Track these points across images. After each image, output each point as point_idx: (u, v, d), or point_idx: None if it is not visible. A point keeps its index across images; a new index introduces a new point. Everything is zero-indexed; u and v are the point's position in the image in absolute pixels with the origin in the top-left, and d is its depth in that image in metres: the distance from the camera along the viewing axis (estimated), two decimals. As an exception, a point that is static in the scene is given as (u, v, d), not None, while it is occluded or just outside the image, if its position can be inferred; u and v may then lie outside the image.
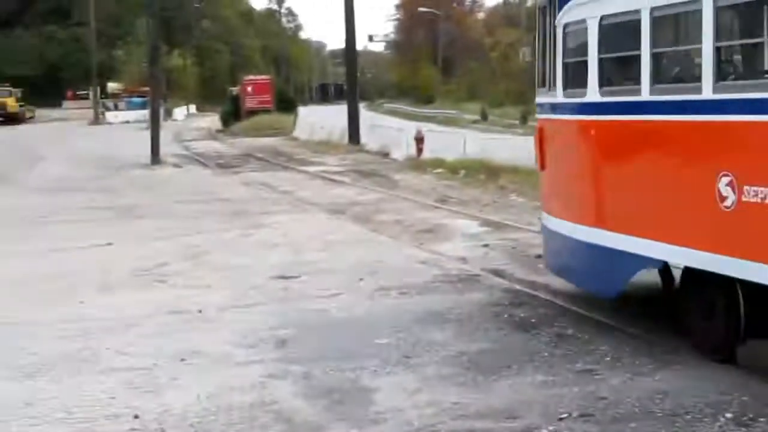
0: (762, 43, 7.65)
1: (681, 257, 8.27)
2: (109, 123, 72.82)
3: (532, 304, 10.62)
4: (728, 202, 7.42)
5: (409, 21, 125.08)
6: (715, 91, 7.55)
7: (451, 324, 9.87)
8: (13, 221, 19.65)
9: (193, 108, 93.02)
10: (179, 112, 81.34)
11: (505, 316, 10.14)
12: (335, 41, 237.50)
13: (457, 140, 30.96)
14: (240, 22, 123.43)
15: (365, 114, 49.88)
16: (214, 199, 22.94)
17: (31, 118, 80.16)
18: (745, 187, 7.23)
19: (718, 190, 7.49)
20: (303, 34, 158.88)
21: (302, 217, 19.12)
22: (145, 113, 65.91)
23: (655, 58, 8.37)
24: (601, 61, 9.24)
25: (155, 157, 33.91)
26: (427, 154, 30.90)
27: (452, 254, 14.16)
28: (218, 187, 26.03)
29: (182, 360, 8.82)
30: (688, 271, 8.45)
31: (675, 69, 8.64)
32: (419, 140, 32.13)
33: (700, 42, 7.66)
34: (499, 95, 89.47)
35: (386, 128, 39.34)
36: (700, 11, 7.55)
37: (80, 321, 10.48)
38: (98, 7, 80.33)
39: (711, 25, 7.48)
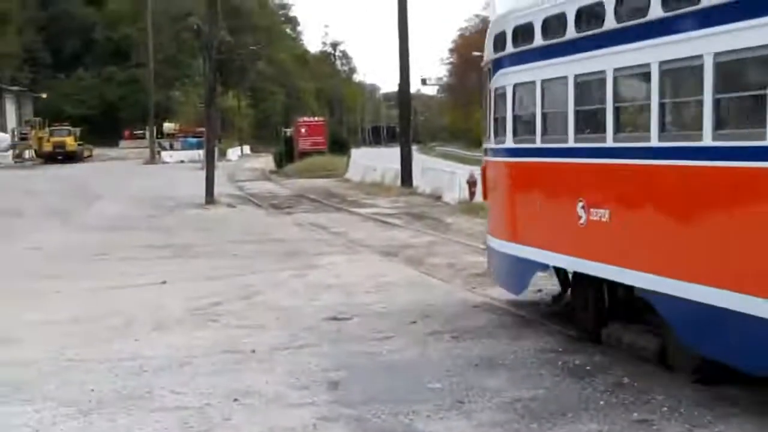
0: (602, 109, 10.05)
1: (557, 261, 11.42)
2: (165, 162, 73.79)
3: (586, 351, 10.50)
4: (582, 221, 10.43)
5: (463, 65, 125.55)
6: (575, 141, 10.65)
7: (505, 369, 9.80)
8: (72, 258, 19.96)
9: (246, 149, 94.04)
10: (233, 153, 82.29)
11: (559, 362, 10.04)
12: (389, 84, 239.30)
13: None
14: (295, 64, 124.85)
15: (417, 157, 49.94)
16: (267, 240, 23.06)
17: (89, 156, 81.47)
18: (591, 209, 10.25)
19: (577, 212, 10.48)
20: (357, 77, 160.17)
21: (355, 259, 19.14)
22: (199, 153, 66.87)
23: (544, 117, 11.49)
24: (513, 117, 12.22)
25: (210, 197, 34.24)
26: (479, 198, 30.81)
27: (505, 299, 14.04)
28: (271, 228, 26.19)
29: (235, 400, 8.85)
30: (574, 276, 11.42)
31: (554, 125, 11.39)
32: (472, 184, 32.02)
33: (567, 108, 10.74)
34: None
35: (438, 171, 39.31)
36: (566, 86, 10.73)
37: (135, 359, 10.56)
38: (156, 49, 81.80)
39: (572, 96, 10.62)
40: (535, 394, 8.87)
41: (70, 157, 73.83)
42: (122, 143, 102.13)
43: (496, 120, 12.78)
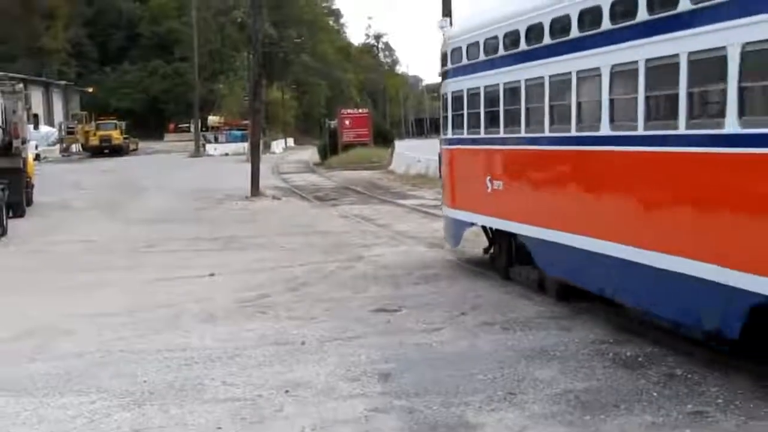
0: (497, 111, 14.15)
1: (478, 220, 15.52)
2: (209, 155, 74.28)
3: (638, 343, 10.39)
4: (489, 190, 14.45)
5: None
6: (484, 133, 14.80)
7: (556, 361, 9.73)
8: (120, 251, 20.14)
9: (290, 141, 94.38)
10: (277, 145, 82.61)
11: (611, 353, 9.95)
12: (432, 75, 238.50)
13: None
14: (338, 56, 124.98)
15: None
16: (312, 232, 23.11)
17: (134, 150, 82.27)
18: (494, 182, 14.33)
19: (486, 184, 14.54)
20: (399, 69, 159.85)
21: (401, 250, 19.11)
22: (243, 146, 67.25)
23: (469, 115, 15.47)
24: (452, 116, 16.42)
25: (255, 189, 34.36)
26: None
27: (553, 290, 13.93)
28: (317, 220, 26.25)
29: (286, 391, 8.86)
30: (493, 231, 15.28)
31: (474, 122, 15.28)
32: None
33: (480, 109, 14.85)
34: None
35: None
36: (479, 95, 14.84)
37: (185, 350, 10.63)
38: (201, 42, 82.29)
39: (483, 101, 14.71)
40: (587, 386, 8.79)
41: (116, 151, 74.61)
42: (167, 136, 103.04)
43: (445, 118, 16.95)
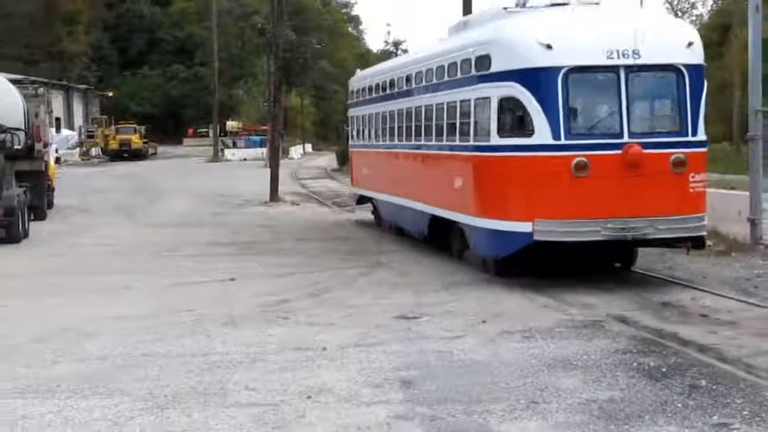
0: (370, 129, 24.58)
1: (368, 193, 25.48)
2: (228, 160, 74.46)
3: (661, 353, 10.36)
4: (364, 174, 25.78)
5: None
6: (365, 141, 25.06)
7: (579, 370, 9.69)
8: (141, 255, 20.21)
9: (308, 147, 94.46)
10: (295, 151, 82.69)
11: (634, 364, 9.91)
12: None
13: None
14: (357, 63, 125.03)
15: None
16: (332, 237, 23.16)
17: (153, 154, 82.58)
18: (365, 169, 25.40)
19: (363, 170, 25.65)
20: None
21: (420, 258, 19.09)
22: (262, 151, 67.42)
23: (357, 131, 26.17)
24: (353, 131, 26.59)
25: (274, 194, 34.44)
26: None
27: (576, 299, 13.94)
28: (336, 226, 26.30)
29: (308, 397, 8.87)
30: (377, 201, 24.88)
31: (361, 135, 25.72)
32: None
33: (364, 127, 25.44)
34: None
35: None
36: (362, 119, 25.44)
37: (207, 354, 10.65)
38: (221, 47, 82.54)
39: (362, 123, 25.76)
40: (610, 396, 8.76)
41: (135, 155, 74.91)
42: (186, 141, 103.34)
43: (348, 132, 27.76)
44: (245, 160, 72.60)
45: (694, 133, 14.84)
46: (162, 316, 13.04)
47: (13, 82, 29.13)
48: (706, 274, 16.15)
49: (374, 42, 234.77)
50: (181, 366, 10.13)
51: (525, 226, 14.56)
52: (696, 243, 15.38)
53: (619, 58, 14.51)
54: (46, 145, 29.15)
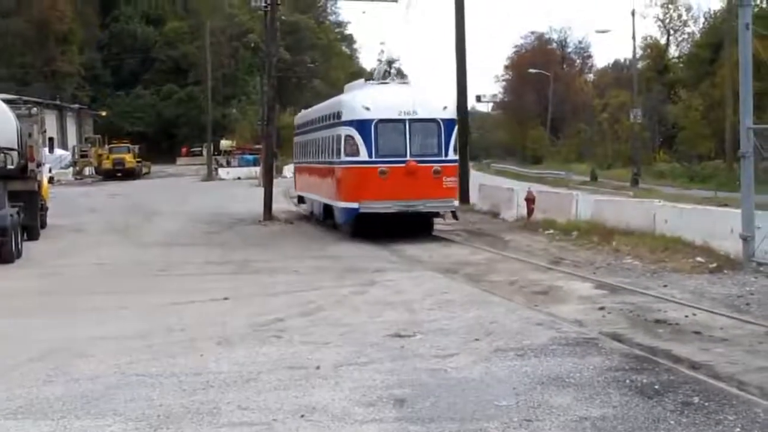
0: (308, 150, 34.74)
1: (303, 193, 36.88)
2: (222, 179, 74.49)
3: (654, 370, 10.38)
4: (299, 180, 38.53)
5: (519, 81, 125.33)
6: (302, 158, 37.27)
7: (572, 388, 9.70)
8: (134, 274, 20.21)
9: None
10: (288, 170, 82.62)
11: (627, 381, 9.93)
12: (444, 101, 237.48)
13: (567, 201, 30.62)
14: (350, 82, 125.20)
15: (473, 173, 49.83)
16: (325, 256, 23.16)
17: (147, 173, 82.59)
18: (300, 177, 38.46)
19: (298, 178, 38.95)
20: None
21: (414, 276, 19.11)
22: (255, 170, 67.46)
23: (296, 152, 39.97)
24: (296, 152, 40.27)
25: (268, 213, 34.43)
26: (537, 215, 30.68)
27: (568, 317, 13.98)
28: (329, 244, 26.27)
29: (302, 416, 8.86)
30: (309, 200, 35.24)
31: (302, 154, 37.03)
32: (530, 201, 31.92)
33: (300, 150, 37.91)
34: (608, 156, 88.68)
35: (496, 188, 39.24)
36: (300, 143, 37.96)
37: (201, 374, 10.63)
38: (215, 67, 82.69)
39: (303, 146, 37.12)
40: (603, 413, 8.77)
41: (129, 174, 74.89)
42: (179, 160, 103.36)
43: (295, 151, 40.27)
44: (239, 179, 72.67)
45: (446, 155, 26.15)
46: (155, 335, 13.02)
47: (7, 102, 29.14)
48: (699, 291, 16.21)
49: (368, 60, 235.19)
50: (174, 385, 10.11)
51: (356, 205, 26.09)
52: (452, 214, 27.59)
53: (405, 115, 25.81)
54: (39, 165, 29.13)
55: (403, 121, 25.66)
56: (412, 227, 26.63)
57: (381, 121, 25.71)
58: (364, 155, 25.66)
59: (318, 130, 31.26)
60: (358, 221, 26.21)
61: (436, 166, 25.77)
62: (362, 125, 25.81)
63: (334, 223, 28.62)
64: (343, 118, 26.62)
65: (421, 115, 25.84)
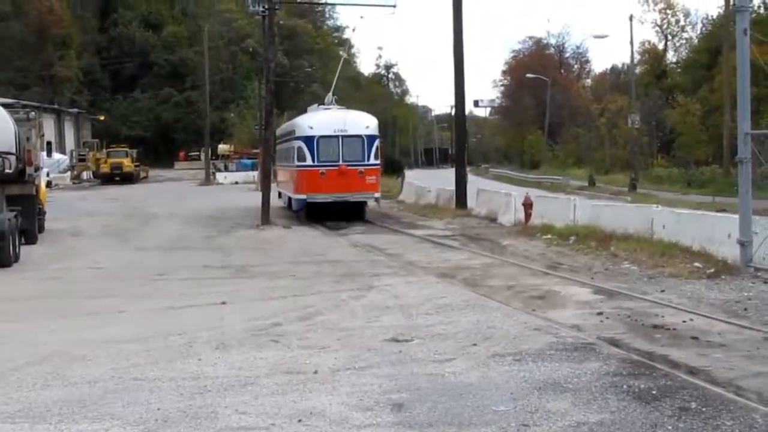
0: (287, 155, 39.98)
1: (281, 191, 42.57)
2: (219, 183, 74.46)
3: (652, 375, 10.39)
4: (279, 179, 43.19)
5: (516, 86, 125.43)
6: (278, 163, 43.30)
7: (569, 393, 9.71)
8: (132, 278, 20.19)
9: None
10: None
11: (624, 386, 9.94)
12: (441, 106, 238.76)
13: (565, 206, 30.60)
14: (347, 86, 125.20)
15: (471, 178, 49.87)
16: (323, 261, 23.15)
17: (144, 177, 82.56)
18: (279, 176, 43.14)
19: (284, 178, 41.53)
20: (409, 99, 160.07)
21: (412, 280, 19.12)
22: (254, 174, 67.44)
23: (279, 156, 43.16)
24: (279, 155, 43.39)
25: (265, 217, 34.44)
26: (535, 220, 30.69)
27: (566, 321, 13.97)
28: (327, 249, 26.28)
29: (299, 421, 8.86)
30: (289, 198, 39.96)
31: (281, 158, 42.40)
32: (528, 205, 31.91)
33: (281, 155, 42.55)
34: (606, 161, 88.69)
35: (493, 193, 39.25)
36: (281, 150, 43.32)
37: (198, 378, 10.64)
38: (213, 71, 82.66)
39: (281, 152, 42.74)
40: (601, 419, 8.78)
41: (127, 178, 74.89)
42: (177, 164, 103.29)
43: (276, 157, 43.22)
44: (237, 183, 72.64)
45: (368, 160, 35.29)
46: (153, 339, 13.02)
47: (5, 106, 29.10)
48: (697, 297, 16.22)
49: (366, 65, 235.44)
50: (172, 390, 10.11)
51: (305, 196, 35.33)
52: (376, 201, 36.70)
53: (339, 132, 35.07)
54: (37, 169, 29.15)
55: (337, 136, 35.08)
56: (348, 213, 35.58)
57: (321, 136, 35.20)
58: (309, 161, 35.11)
59: (285, 142, 40.48)
60: (307, 208, 35.64)
61: (361, 168, 35.09)
62: (308, 140, 35.25)
63: (295, 212, 37.70)
64: (296, 134, 36.33)
65: (350, 132, 35.19)
